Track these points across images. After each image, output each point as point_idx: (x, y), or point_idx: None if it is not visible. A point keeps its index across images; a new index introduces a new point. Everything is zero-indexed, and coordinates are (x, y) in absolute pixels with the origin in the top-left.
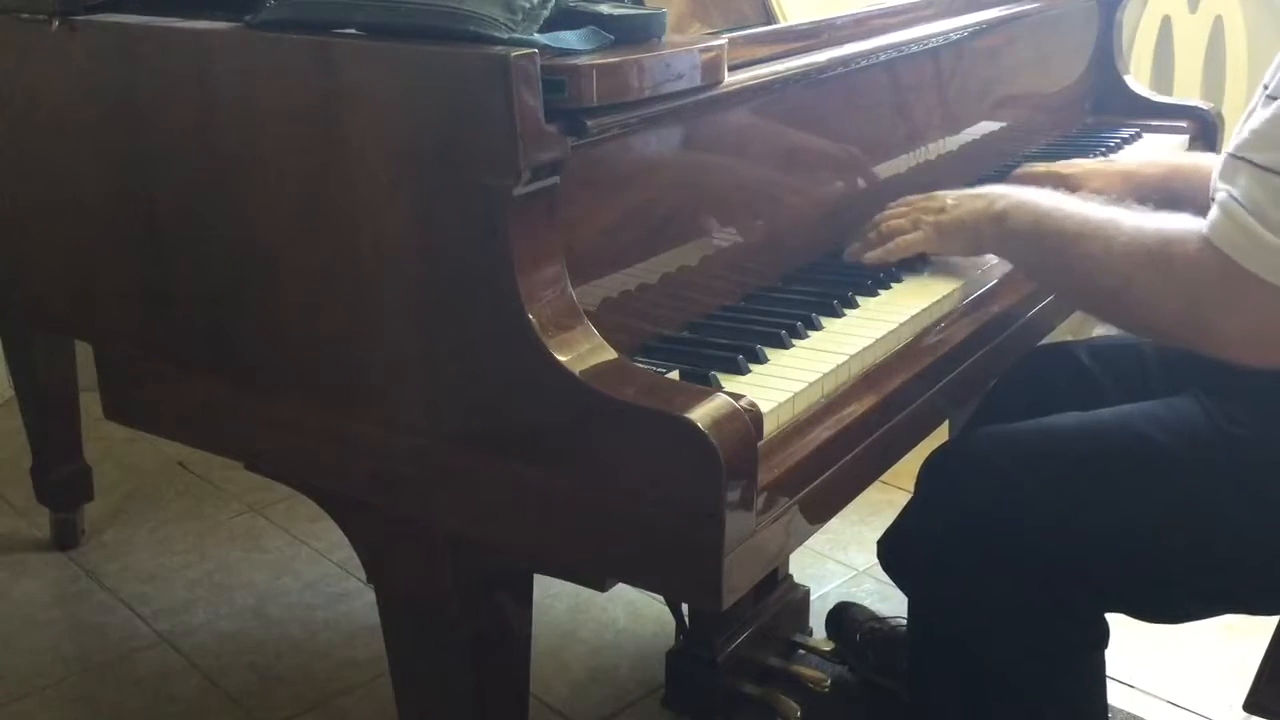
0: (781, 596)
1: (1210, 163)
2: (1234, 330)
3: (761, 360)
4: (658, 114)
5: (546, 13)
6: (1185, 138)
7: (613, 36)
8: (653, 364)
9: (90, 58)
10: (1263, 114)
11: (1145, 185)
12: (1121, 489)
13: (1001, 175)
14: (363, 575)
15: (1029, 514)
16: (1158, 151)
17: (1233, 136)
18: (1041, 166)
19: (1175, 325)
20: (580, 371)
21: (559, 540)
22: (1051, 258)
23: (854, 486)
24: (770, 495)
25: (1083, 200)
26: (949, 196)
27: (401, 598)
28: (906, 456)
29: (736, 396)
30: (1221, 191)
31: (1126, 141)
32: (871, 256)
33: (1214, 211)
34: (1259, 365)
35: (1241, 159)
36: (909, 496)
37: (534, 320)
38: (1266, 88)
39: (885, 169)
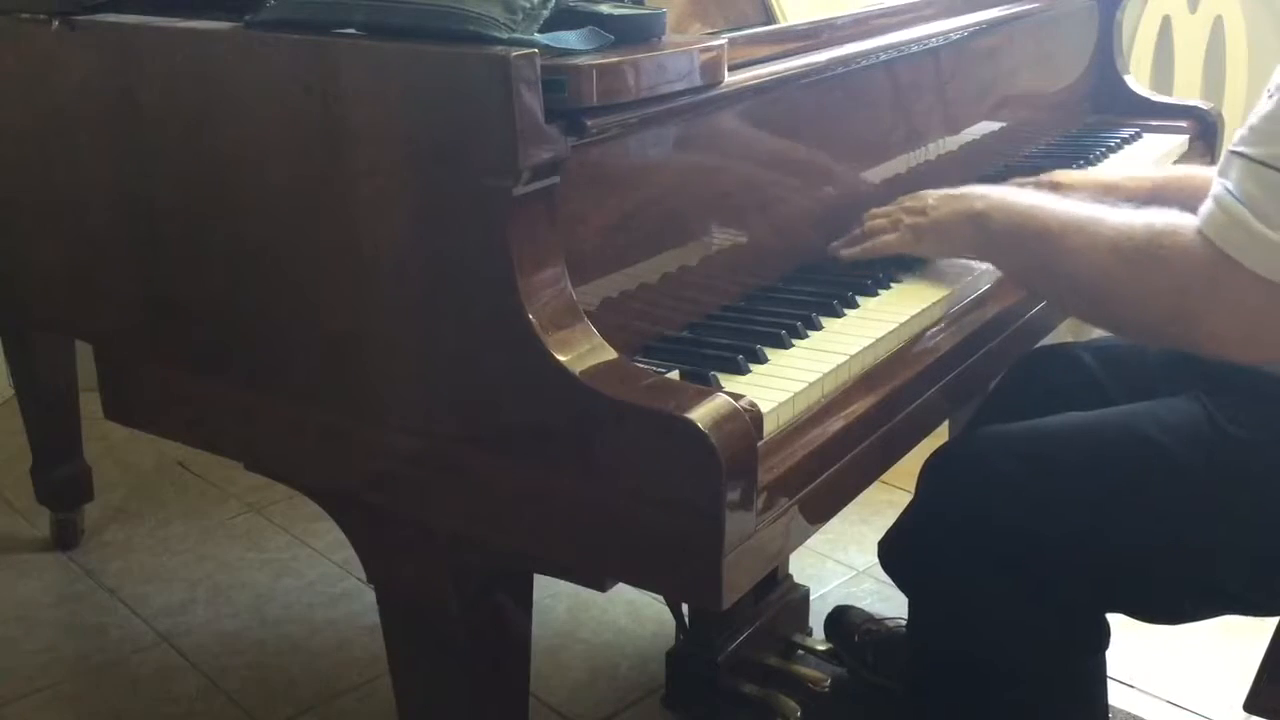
0: (781, 596)
1: (1203, 172)
2: (1226, 327)
3: (761, 360)
4: (658, 114)
5: (546, 13)
6: (1185, 138)
7: (613, 36)
8: (653, 364)
9: (90, 58)
10: (1262, 109)
11: (1132, 198)
12: (1122, 490)
13: (1002, 176)
14: (363, 575)
15: (1029, 515)
16: (1139, 164)
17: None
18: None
19: (1165, 321)
20: (580, 371)
21: (559, 540)
22: (1035, 258)
23: (854, 486)
24: (770, 495)
25: (1064, 198)
26: (931, 196)
27: (401, 598)
28: (906, 456)
29: (736, 396)
30: (1217, 185)
31: (1126, 141)
32: (848, 254)
33: (1208, 205)
34: (1250, 362)
35: (1237, 153)
36: (909, 496)
37: (534, 320)
38: (1271, 94)
39: (885, 169)
